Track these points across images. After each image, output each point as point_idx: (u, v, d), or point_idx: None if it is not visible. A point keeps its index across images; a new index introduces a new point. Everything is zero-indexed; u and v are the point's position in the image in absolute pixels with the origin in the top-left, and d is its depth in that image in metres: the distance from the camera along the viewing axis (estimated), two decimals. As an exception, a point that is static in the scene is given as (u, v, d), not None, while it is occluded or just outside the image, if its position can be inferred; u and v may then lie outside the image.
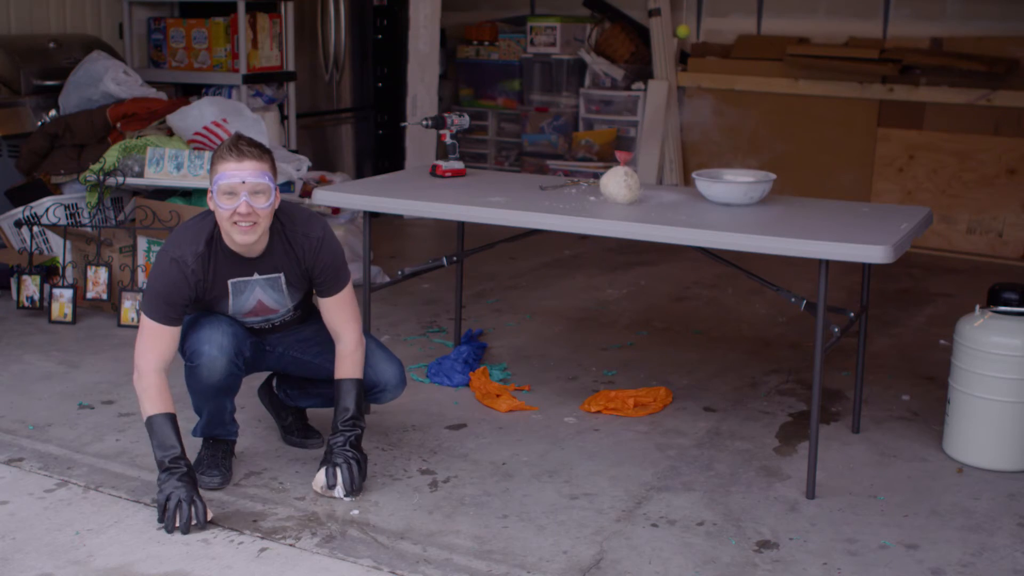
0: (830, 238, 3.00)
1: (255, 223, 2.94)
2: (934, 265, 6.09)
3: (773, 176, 3.52)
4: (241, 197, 2.89)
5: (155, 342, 2.96)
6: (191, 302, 3.02)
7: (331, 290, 3.13)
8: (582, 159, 7.36)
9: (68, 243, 4.89)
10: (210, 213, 3.05)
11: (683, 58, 7.32)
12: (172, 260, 2.96)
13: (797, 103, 6.87)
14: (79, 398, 3.85)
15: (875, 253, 2.92)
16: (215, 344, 3.06)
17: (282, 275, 3.08)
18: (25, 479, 3.21)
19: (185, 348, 3.09)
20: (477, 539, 2.88)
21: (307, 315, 3.31)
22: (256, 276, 3.06)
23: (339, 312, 3.14)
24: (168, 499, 2.85)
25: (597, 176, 3.81)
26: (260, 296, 3.10)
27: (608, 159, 7.17)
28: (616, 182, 3.46)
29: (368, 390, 3.25)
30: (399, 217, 6.85)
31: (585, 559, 2.79)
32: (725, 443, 3.55)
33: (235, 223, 2.92)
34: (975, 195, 6.38)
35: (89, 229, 4.89)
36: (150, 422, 2.92)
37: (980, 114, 6.33)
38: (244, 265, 3.05)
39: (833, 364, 4.23)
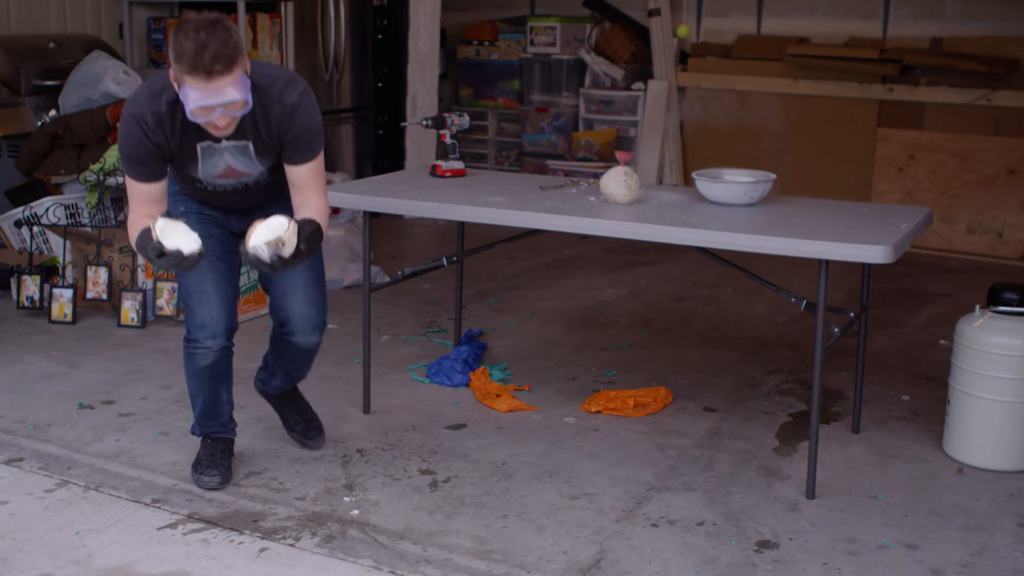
0: (830, 238, 3.00)
1: (229, 124, 2.79)
2: (934, 265, 6.09)
3: (773, 176, 3.52)
4: (216, 112, 2.72)
5: (139, 200, 2.87)
6: (162, 160, 2.87)
7: (299, 158, 2.93)
8: (582, 159, 7.36)
9: (68, 243, 4.89)
10: None
11: (683, 58, 7.32)
12: (131, 116, 2.80)
13: (797, 103, 6.87)
14: (79, 398, 3.85)
15: (875, 253, 2.92)
16: (208, 328, 3.05)
17: (250, 143, 2.90)
18: (25, 479, 3.21)
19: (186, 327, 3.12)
20: (477, 539, 2.88)
21: (281, 184, 3.06)
22: (224, 143, 2.89)
23: (305, 184, 2.96)
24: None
25: (597, 176, 3.81)
26: (229, 161, 2.93)
27: (608, 159, 7.17)
28: (616, 182, 3.46)
29: (279, 325, 3.22)
30: (399, 217, 6.85)
31: (585, 559, 2.79)
32: (725, 443, 3.55)
33: (211, 124, 2.77)
34: (975, 195, 6.38)
35: (89, 229, 4.89)
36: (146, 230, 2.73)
37: (980, 114, 6.33)
38: (214, 130, 2.86)
39: (833, 364, 4.23)
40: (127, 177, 2.87)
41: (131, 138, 2.80)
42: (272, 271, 2.75)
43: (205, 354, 3.08)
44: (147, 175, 2.85)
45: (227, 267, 3.09)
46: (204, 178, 2.96)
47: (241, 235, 2.86)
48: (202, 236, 2.77)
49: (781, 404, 3.91)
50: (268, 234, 2.67)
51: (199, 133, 2.84)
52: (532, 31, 7.56)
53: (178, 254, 2.62)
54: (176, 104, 2.78)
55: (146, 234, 2.67)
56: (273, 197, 3.08)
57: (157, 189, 2.88)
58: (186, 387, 3.22)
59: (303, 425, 3.47)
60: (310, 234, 2.78)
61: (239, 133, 2.87)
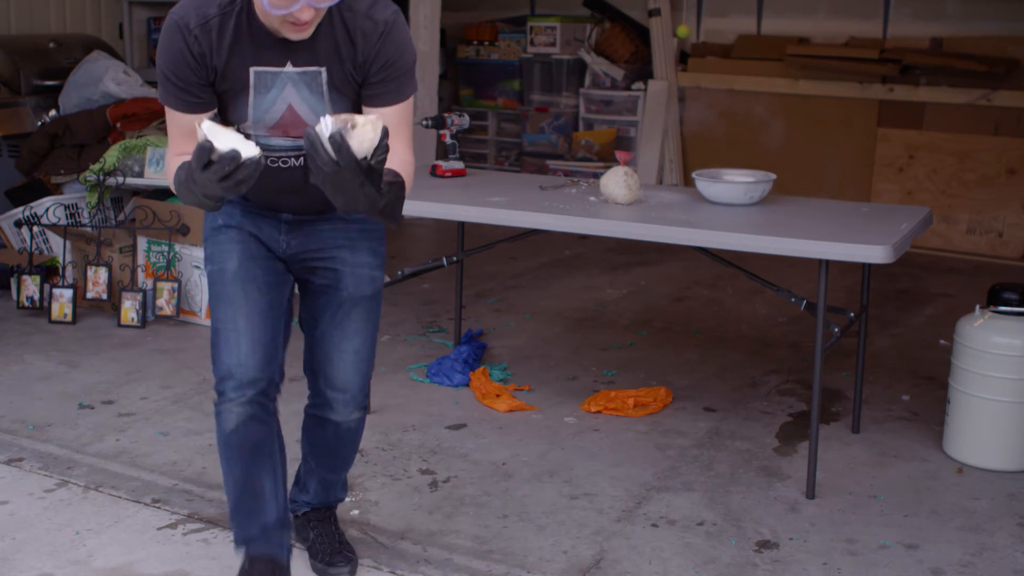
0: (830, 238, 3.00)
1: (312, 20, 2.14)
2: (934, 265, 6.09)
3: (773, 176, 3.52)
4: (300, 2, 2.08)
5: (178, 134, 2.25)
6: (206, 84, 2.22)
7: (386, 97, 2.26)
8: (582, 159, 7.36)
9: (68, 243, 4.89)
10: None
11: (683, 58, 7.32)
12: (172, 22, 2.19)
13: (797, 103, 6.87)
14: (79, 398, 3.85)
15: (875, 253, 2.92)
16: (235, 377, 2.33)
17: (324, 70, 2.21)
18: (25, 479, 3.21)
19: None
20: (477, 539, 2.88)
21: None
22: (289, 68, 2.20)
23: (399, 127, 2.27)
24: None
25: (597, 176, 3.81)
26: (291, 98, 2.23)
27: (608, 159, 7.17)
28: (616, 182, 3.46)
29: (314, 395, 2.54)
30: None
31: (585, 559, 2.78)
32: (725, 443, 3.55)
33: (288, 23, 2.12)
34: (975, 195, 6.38)
35: (89, 229, 4.89)
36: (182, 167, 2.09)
37: (980, 114, 6.33)
38: (275, 49, 2.20)
39: (833, 364, 4.23)
40: (165, 107, 2.27)
41: (169, 49, 2.18)
42: (329, 166, 1.93)
43: (231, 413, 2.34)
44: (188, 103, 2.22)
45: (268, 301, 2.37)
46: (254, 127, 2.27)
47: (292, 261, 2.41)
48: (240, 259, 2.33)
49: (781, 404, 3.91)
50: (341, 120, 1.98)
51: (256, 50, 2.20)
52: (532, 31, 7.56)
53: (233, 156, 1.94)
54: (231, 9, 2.18)
55: (187, 163, 2.04)
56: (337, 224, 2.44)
57: (203, 121, 2.15)
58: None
59: (327, 542, 2.69)
60: (392, 183, 2.05)
61: (311, 55, 2.20)
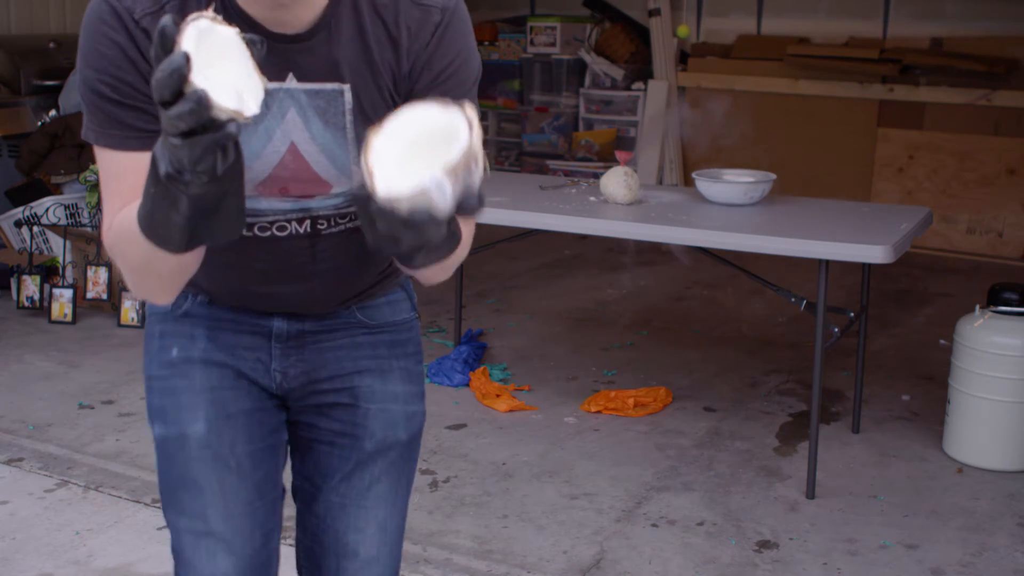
0: (830, 238, 3.00)
1: None
2: (934, 265, 6.09)
3: (773, 176, 3.52)
4: None
5: (118, 193, 1.32)
6: (145, 109, 1.31)
7: None
8: (582, 159, 7.36)
9: (68, 243, 4.89)
10: None
11: (683, 58, 7.32)
12: (108, 8, 1.33)
13: (797, 103, 6.87)
14: (79, 398, 3.85)
15: (875, 253, 2.92)
16: (220, 547, 1.54)
17: (348, 89, 1.38)
18: (25, 479, 3.21)
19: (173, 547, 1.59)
20: (477, 539, 2.88)
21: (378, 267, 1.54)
22: (292, 83, 1.36)
23: None
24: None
25: (597, 176, 3.81)
26: (294, 134, 1.38)
27: (608, 159, 7.17)
28: (616, 182, 3.46)
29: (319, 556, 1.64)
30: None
31: (585, 559, 2.78)
32: (725, 443, 3.55)
33: None
34: (975, 195, 6.38)
35: (89, 229, 4.89)
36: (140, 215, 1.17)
37: (980, 114, 6.33)
38: (268, 53, 1.21)
39: (833, 364, 4.23)
40: (96, 147, 1.36)
41: (101, 47, 1.33)
42: (422, 235, 1.08)
43: None
44: (134, 132, 1.32)
45: (258, 481, 1.54)
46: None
47: (287, 398, 1.57)
48: (210, 416, 1.50)
49: (781, 404, 3.91)
50: (434, 145, 1.09)
51: None
52: (532, 31, 7.56)
53: (201, 99, 1.01)
54: None
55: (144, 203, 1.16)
56: (365, 271, 1.54)
57: (141, 162, 1.24)
58: None
59: None
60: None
61: (326, 64, 1.36)
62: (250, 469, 1.52)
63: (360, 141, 1.31)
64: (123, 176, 1.32)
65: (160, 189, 1.09)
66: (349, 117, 1.38)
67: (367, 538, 1.59)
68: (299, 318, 1.53)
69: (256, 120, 1.30)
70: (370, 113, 1.37)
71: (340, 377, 1.55)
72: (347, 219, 1.45)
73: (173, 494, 1.53)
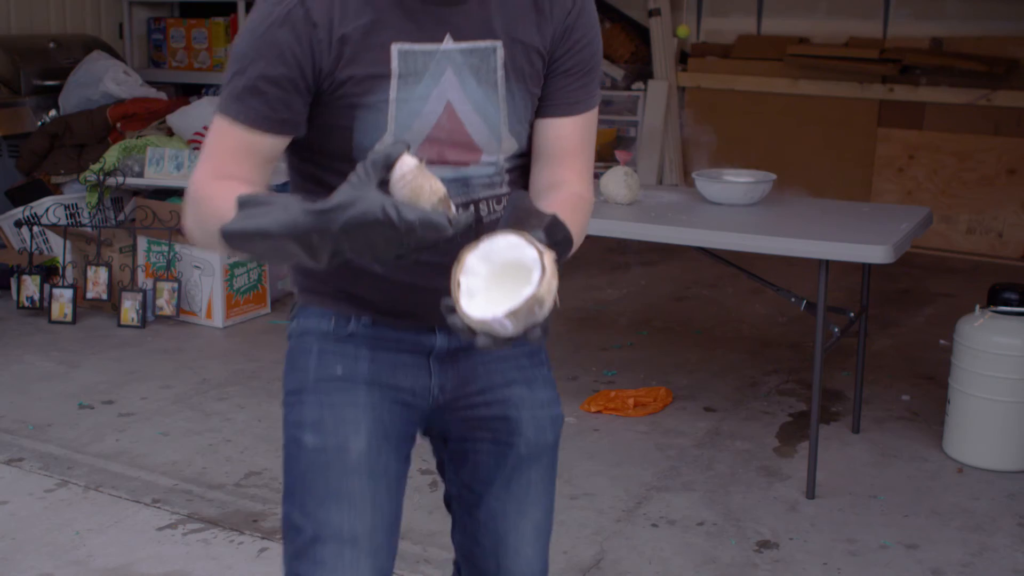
0: (830, 238, 3.00)
1: None
2: (934, 265, 6.09)
3: (773, 176, 3.52)
4: None
5: (229, 153, 1.41)
6: (305, 92, 1.40)
7: (580, 101, 1.53)
8: (582, 159, 7.35)
9: (68, 243, 4.89)
10: None
11: (683, 58, 7.32)
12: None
13: (797, 103, 6.87)
14: (79, 398, 3.85)
15: (875, 253, 2.92)
16: (350, 549, 1.56)
17: (500, 45, 1.46)
18: (25, 479, 3.21)
19: (289, 539, 1.67)
20: (477, 539, 2.88)
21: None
22: (449, 43, 1.43)
23: (571, 151, 1.55)
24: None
25: (597, 176, 3.81)
26: (451, 93, 1.45)
27: (608, 159, 7.17)
28: (616, 182, 3.46)
29: None
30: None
31: (585, 559, 2.78)
32: (725, 443, 3.55)
33: None
34: (975, 195, 6.38)
35: (89, 229, 4.89)
36: (241, 208, 1.24)
37: (980, 114, 6.33)
38: (426, 15, 1.42)
39: (833, 364, 4.23)
40: (219, 116, 1.41)
41: (270, 22, 1.37)
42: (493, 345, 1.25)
43: None
44: (262, 116, 1.39)
45: (397, 505, 1.62)
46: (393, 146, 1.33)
47: (441, 413, 1.63)
48: (372, 436, 1.55)
49: (781, 404, 3.91)
50: (509, 281, 1.24)
51: (400, 16, 1.41)
52: (532, 31, 7.55)
53: (438, 225, 1.17)
54: None
55: (282, 198, 1.22)
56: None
57: (268, 147, 1.41)
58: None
59: None
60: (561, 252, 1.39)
61: (480, 23, 1.45)
62: (396, 490, 1.60)
63: (511, 98, 1.48)
64: (234, 144, 1.41)
65: (284, 246, 1.22)
66: (501, 73, 1.47)
67: (526, 538, 1.68)
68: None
69: (415, 81, 1.43)
70: (520, 73, 1.48)
71: (492, 389, 1.62)
72: (501, 204, 1.54)
73: (321, 502, 1.57)
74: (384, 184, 1.20)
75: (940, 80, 6.42)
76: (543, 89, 1.52)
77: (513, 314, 1.20)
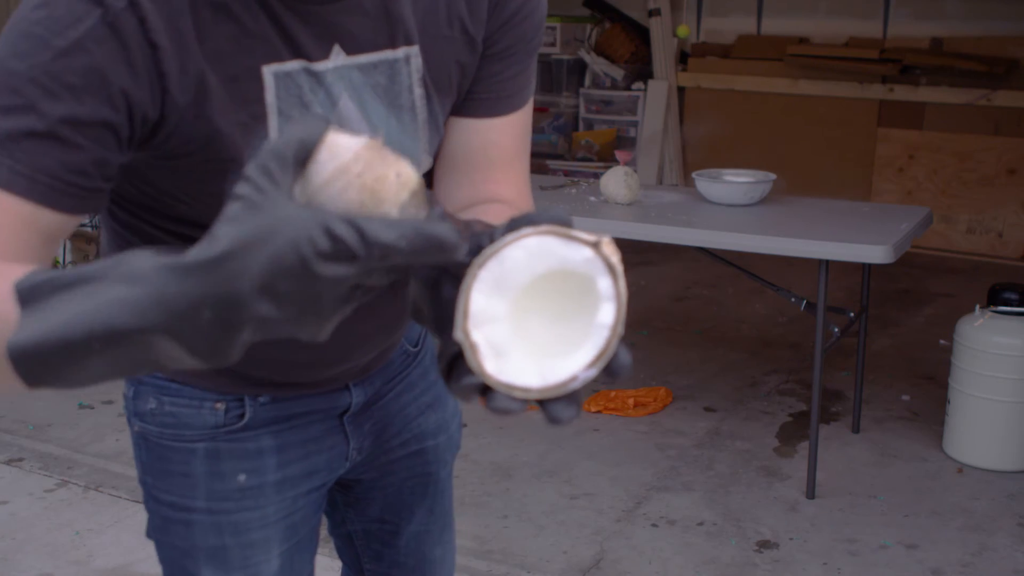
0: (830, 238, 3.00)
1: None
2: (934, 265, 6.09)
3: (773, 176, 3.52)
4: None
5: (16, 239, 0.86)
6: (125, 149, 0.90)
7: (518, 94, 1.16)
8: (582, 159, 7.36)
9: (68, 243, 4.89)
10: None
11: (683, 58, 7.32)
12: None
13: (797, 103, 6.87)
14: (79, 398, 3.85)
15: (875, 253, 2.92)
16: None
17: (415, 50, 1.04)
18: (25, 479, 3.21)
19: None
20: (477, 539, 2.88)
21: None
22: (341, 57, 1.00)
23: (508, 158, 1.17)
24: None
25: (597, 176, 3.81)
26: (349, 129, 1.01)
27: (608, 159, 7.17)
28: (616, 182, 3.46)
29: None
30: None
31: (585, 559, 2.78)
32: (725, 443, 3.55)
33: None
34: (975, 195, 6.38)
35: (89, 229, 4.89)
36: (26, 299, 0.67)
37: (980, 114, 6.33)
38: (307, 23, 0.97)
39: (833, 364, 4.23)
40: None
41: (73, 27, 0.86)
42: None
43: None
44: (68, 174, 0.86)
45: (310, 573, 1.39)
46: None
47: (352, 469, 1.35)
48: (285, 553, 1.28)
49: (781, 404, 3.91)
50: (548, 311, 0.74)
51: (269, 26, 0.95)
52: (532, 31, 7.55)
53: (435, 236, 0.66)
54: None
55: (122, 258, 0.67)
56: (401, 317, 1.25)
57: (60, 223, 0.88)
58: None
59: None
60: None
61: (384, 24, 1.02)
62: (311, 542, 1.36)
63: (433, 120, 1.08)
64: (12, 226, 0.86)
65: (142, 350, 0.66)
66: (419, 91, 1.05)
67: (448, 547, 1.50)
68: (371, 377, 1.27)
69: (303, 114, 1.00)
70: (443, 84, 1.08)
71: (407, 427, 1.37)
72: None
73: None
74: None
75: (940, 80, 6.42)
76: (477, 85, 1.12)
77: (599, 357, 0.72)
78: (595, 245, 0.72)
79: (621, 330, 0.72)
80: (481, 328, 0.72)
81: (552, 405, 0.73)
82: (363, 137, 0.69)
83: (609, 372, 0.73)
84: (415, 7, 1.03)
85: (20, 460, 3.33)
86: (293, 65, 0.97)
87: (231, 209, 0.64)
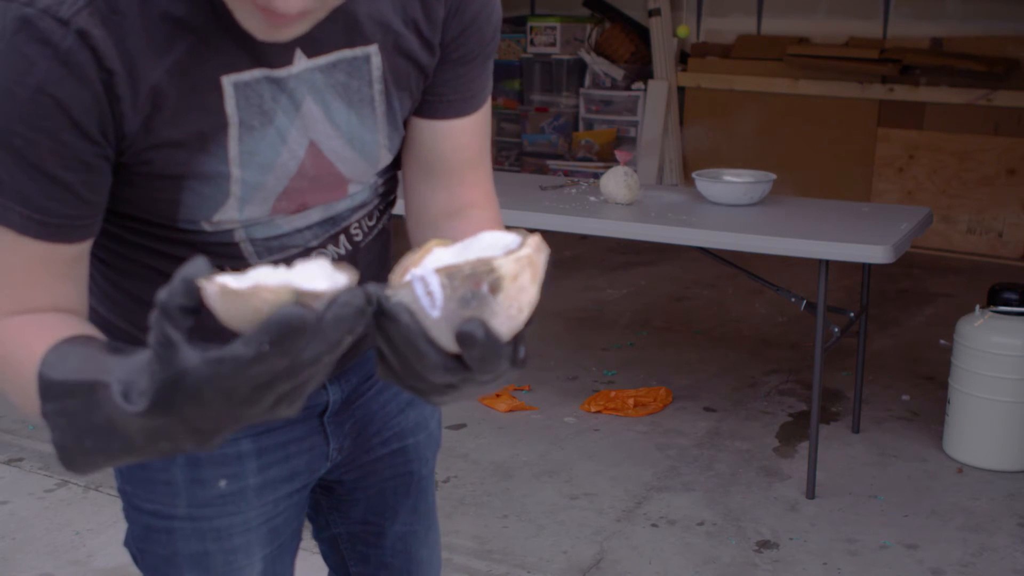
0: (830, 238, 3.00)
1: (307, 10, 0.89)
2: (934, 265, 6.09)
3: (773, 176, 3.52)
4: None
5: (20, 280, 0.95)
6: (104, 160, 0.95)
7: (480, 93, 1.18)
8: (582, 159, 7.36)
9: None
10: None
11: (683, 58, 7.33)
12: (25, 19, 0.88)
13: (797, 103, 6.87)
14: (79, 398, 3.85)
15: (875, 253, 2.92)
16: None
17: (375, 49, 1.07)
18: (25, 479, 3.21)
19: None
20: (477, 539, 2.88)
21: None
22: (302, 62, 1.03)
23: (471, 161, 1.20)
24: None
25: (597, 176, 3.81)
26: (314, 128, 1.06)
27: (608, 159, 7.17)
28: (616, 182, 3.46)
29: None
30: (399, 217, 6.84)
31: (585, 559, 2.78)
32: (725, 443, 3.55)
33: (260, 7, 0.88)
34: (975, 195, 6.38)
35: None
36: (46, 369, 0.82)
37: (980, 114, 6.33)
38: (263, 27, 0.92)
39: (833, 364, 4.23)
40: None
41: (30, 71, 0.88)
42: (434, 380, 0.81)
43: None
44: (50, 202, 0.93)
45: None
46: (240, 214, 1.07)
47: (334, 469, 1.36)
48: (267, 558, 1.29)
49: (781, 404, 3.91)
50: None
51: (224, 36, 0.97)
52: (532, 31, 7.56)
53: (346, 304, 0.71)
54: None
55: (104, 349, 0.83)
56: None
57: (65, 251, 0.97)
58: None
59: None
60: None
61: (343, 25, 1.04)
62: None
63: (392, 115, 1.11)
64: (32, 269, 0.95)
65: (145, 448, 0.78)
66: (379, 87, 1.08)
67: (434, 547, 1.51)
68: (347, 374, 1.29)
69: (262, 126, 1.01)
70: (401, 80, 1.10)
71: (387, 425, 1.37)
72: (375, 219, 1.22)
73: None
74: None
75: (940, 80, 6.42)
76: (435, 86, 1.14)
77: (448, 274, 0.74)
78: (525, 235, 0.80)
79: (495, 298, 0.79)
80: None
81: (396, 313, 0.76)
82: (228, 275, 0.72)
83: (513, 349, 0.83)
84: (370, 8, 1.06)
85: (20, 460, 3.34)
86: (254, 74, 1.00)
87: (140, 369, 0.75)
